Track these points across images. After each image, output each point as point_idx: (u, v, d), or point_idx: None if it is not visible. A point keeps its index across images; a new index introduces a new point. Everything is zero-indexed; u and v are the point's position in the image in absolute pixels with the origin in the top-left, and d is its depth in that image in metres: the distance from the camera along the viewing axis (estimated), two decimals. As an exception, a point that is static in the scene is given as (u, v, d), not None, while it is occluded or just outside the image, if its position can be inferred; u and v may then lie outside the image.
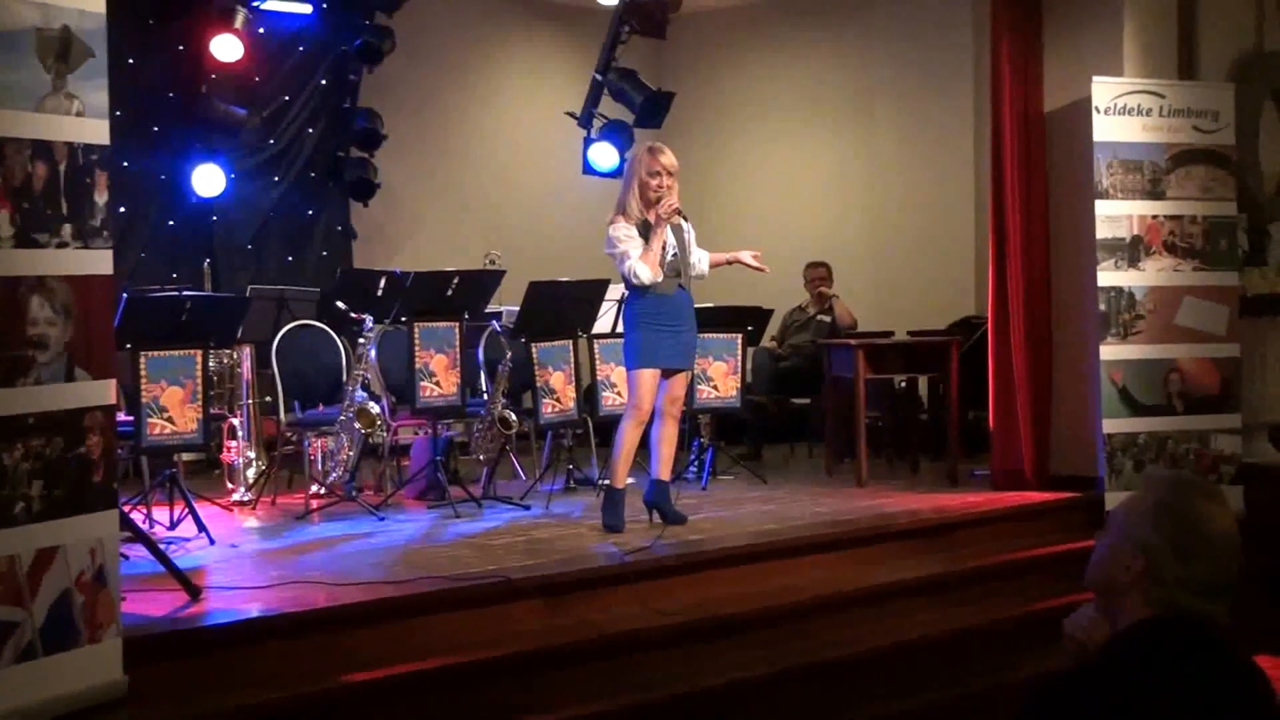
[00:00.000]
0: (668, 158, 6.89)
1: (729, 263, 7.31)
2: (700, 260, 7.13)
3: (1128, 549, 2.53)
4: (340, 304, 7.92)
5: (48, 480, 4.12)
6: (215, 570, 5.98)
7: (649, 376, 6.87)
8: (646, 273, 6.80)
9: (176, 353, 6.93)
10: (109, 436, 4.37)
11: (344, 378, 8.05)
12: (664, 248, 6.88)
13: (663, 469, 7.00)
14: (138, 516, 6.75)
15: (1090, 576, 2.61)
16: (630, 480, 7.03)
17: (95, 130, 4.36)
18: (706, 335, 8.67)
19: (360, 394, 7.67)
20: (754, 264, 7.23)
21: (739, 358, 8.84)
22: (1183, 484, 2.59)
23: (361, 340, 7.74)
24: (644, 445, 7.05)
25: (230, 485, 8.10)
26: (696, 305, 8.94)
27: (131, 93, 9.50)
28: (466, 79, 12.00)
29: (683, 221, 6.97)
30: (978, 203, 10.69)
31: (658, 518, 6.97)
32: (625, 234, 6.86)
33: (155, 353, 6.86)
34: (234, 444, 8.10)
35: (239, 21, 9.78)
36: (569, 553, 6.30)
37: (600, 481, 7.66)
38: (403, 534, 6.97)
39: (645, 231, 6.85)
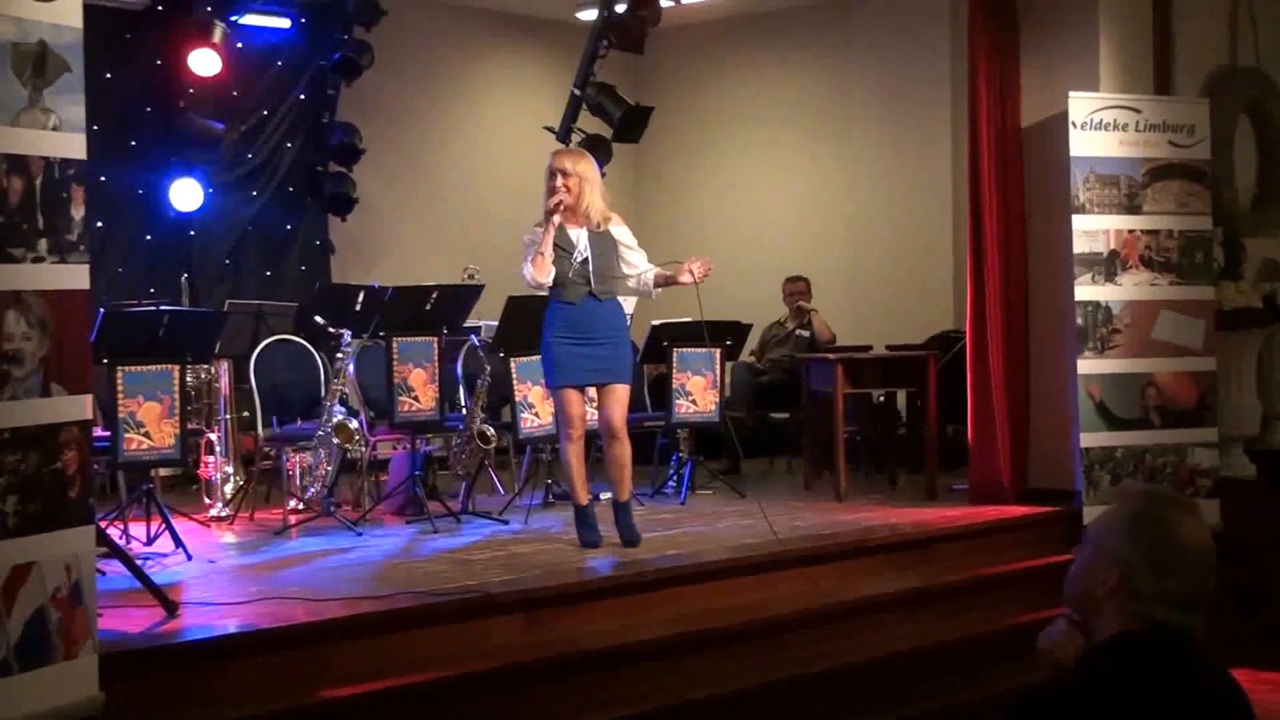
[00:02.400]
0: (560, 159, 6.68)
1: (669, 282, 6.84)
2: (644, 276, 6.80)
3: (1103, 563, 2.53)
4: (318, 318, 7.92)
5: (23, 495, 4.10)
6: (192, 586, 5.95)
7: (568, 395, 6.65)
8: (529, 273, 6.58)
9: (154, 368, 6.90)
10: (85, 452, 4.35)
11: (322, 392, 8.03)
12: (573, 253, 6.65)
13: (616, 491, 6.81)
14: (114, 532, 6.72)
15: (1067, 591, 2.62)
16: (608, 496, 6.98)
17: (72, 144, 4.34)
18: (685, 350, 8.72)
19: (338, 409, 7.65)
20: (689, 280, 6.72)
21: (717, 372, 8.84)
22: (1157, 497, 2.59)
23: (340, 355, 7.72)
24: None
25: (208, 500, 8.07)
26: (675, 320, 9.01)
27: (109, 107, 9.49)
28: (445, 93, 12.01)
29: (612, 228, 6.74)
30: (956, 217, 10.72)
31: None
32: (530, 238, 6.67)
33: (132, 367, 6.82)
34: (211, 459, 8.07)
35: (217, 36, 9.78)
36: (548, 567, 6.28)
37: None
38: (381, 549, 6.95)
39: (560, 235, 6.64)
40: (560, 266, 6.65)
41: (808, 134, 12.31)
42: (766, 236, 12.31)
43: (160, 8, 10.01)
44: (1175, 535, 2.49)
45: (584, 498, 6.83)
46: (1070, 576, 2.61)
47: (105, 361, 6.70)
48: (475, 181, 12.07)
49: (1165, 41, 8.50)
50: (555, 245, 6.62)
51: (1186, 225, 8.09)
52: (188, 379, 7.30)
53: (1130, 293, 7.96)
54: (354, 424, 7.68)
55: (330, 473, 7.77)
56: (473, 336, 8.43)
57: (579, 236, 6.70)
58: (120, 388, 6.79)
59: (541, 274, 6.58)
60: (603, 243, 6.74)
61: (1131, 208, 7.99)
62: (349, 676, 4.99)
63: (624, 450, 6.75)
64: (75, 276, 4.35)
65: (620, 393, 6.76)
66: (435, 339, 7.82)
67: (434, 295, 7.81)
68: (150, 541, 6.91)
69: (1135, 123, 7.98)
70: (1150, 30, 8.46)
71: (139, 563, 5.75)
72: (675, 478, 8.89)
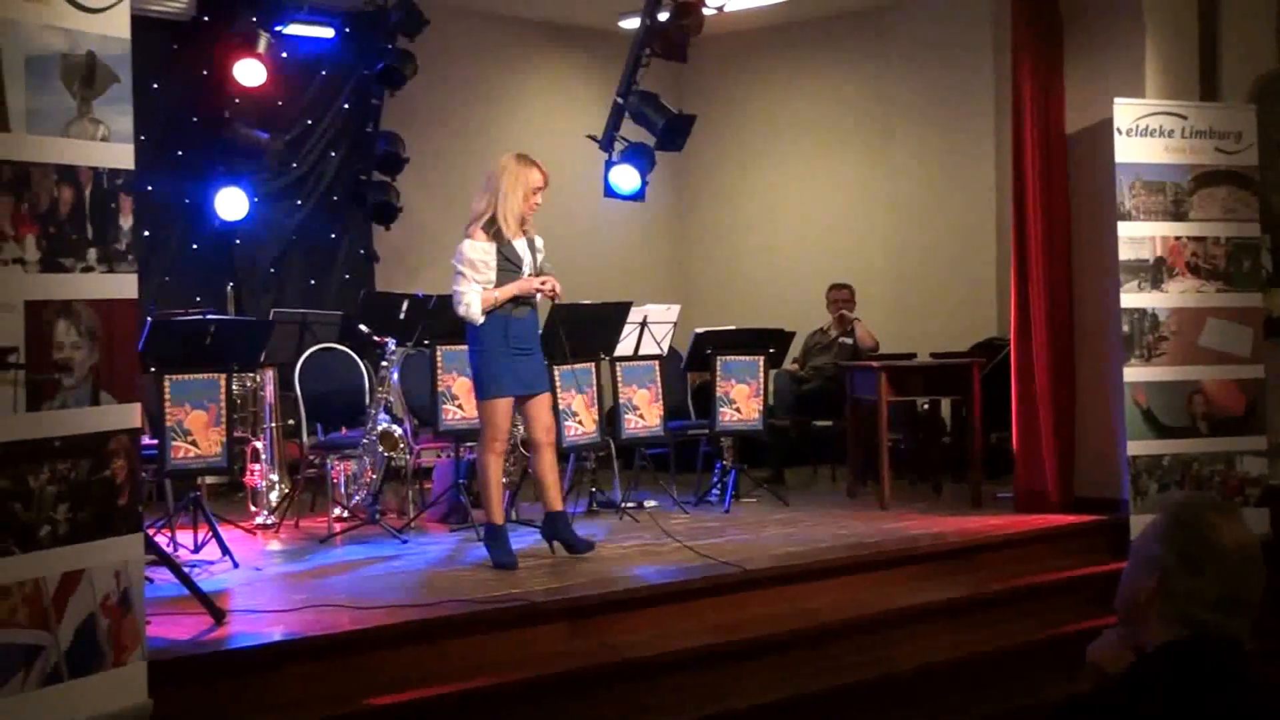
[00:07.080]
0: (542, 173, 6.60)
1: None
2: None
3: (1144, 570, 2.53)
4: (363, 327, 7.95)
5: (73, 503, 4.14)
6: (239, 593, 5.99)
7: (504, 405, 6.54)
8: (474, 310, 6.44)
9: (200, 376, 6.95)
10: (134, 460, 4.39)
11: (366, 401, 8.07)
12: (522, 267, 6.57)
13: (552, 499, 6.73)
14: (162, 540, 6.77)
15: (1117, 606, 2.61)
16: (653, 504, 6.95)
17: (120, 155, 4.39)
18: (729, 358, 8.73)
19: (383, 417, 7.68)
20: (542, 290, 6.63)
21: (761, 380, 8.84)
22: (1194, 501, 2.60)
23: (384, 363, 7.76)
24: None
25: (254, 508, 8.11)
26: (717, 328, 9.01)
27: (155, 117, 9.56)
28: (488, 102, 12.03)
29: (536, 237, 6.70)
30: (999, 224, 10.66)
31: (560, 550, 6.77)
32: (482, 259, 6.49)
33: (179, 376, 6.88)
34: (257, 467, 8.12)
35: (262, 46, 9.83)
36: (592, 575, 6.29)
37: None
38: (425, 557, 6.97)
39: (504, 251, 6.53)
40: (511, 280, 6.53)
41: (850, 141, 12.28)
42: (809, 244, 12.29)
43: (206, 19, 10.08)
44: (1210, 534, 2.48)
45: (501, 518, 6.68)
46: (1119, 590, 2.61)
47: (152, 370, 6.76)
48: (518, 190, 12.07)
49: (1211, 47, 8.44)
50: (504, 257, 6.53)
51: (1234, 232, 8.03)
52: (234, 387, 7.35)
53: (1177, 300, 7.90)
54: (398, 432, 7.71)
55: (375, 481, 7.81)
56: (516, 345, 8.44)
57: (522, 248, 6.63)
58: (167, 396, 6.84)
59: (482, 318, 6.47)
60: (534, 254, 6.69)
61: (1178, 214, 7.93)
62: (394, 684, 5.01)
63: (555, 458, 6.84)
64: (123, 286, 4.39)
65: (549, 401, 6.90)
66: (479, 347, 7.83)
67: (478, 304, 7.82)
68: (197, 549, 6.96)
69: (1181, 129, 7.93)
70: (1196, 36, 8.40)
71: (186, 570, 5.80)
72: (719, 486, 8.88)
